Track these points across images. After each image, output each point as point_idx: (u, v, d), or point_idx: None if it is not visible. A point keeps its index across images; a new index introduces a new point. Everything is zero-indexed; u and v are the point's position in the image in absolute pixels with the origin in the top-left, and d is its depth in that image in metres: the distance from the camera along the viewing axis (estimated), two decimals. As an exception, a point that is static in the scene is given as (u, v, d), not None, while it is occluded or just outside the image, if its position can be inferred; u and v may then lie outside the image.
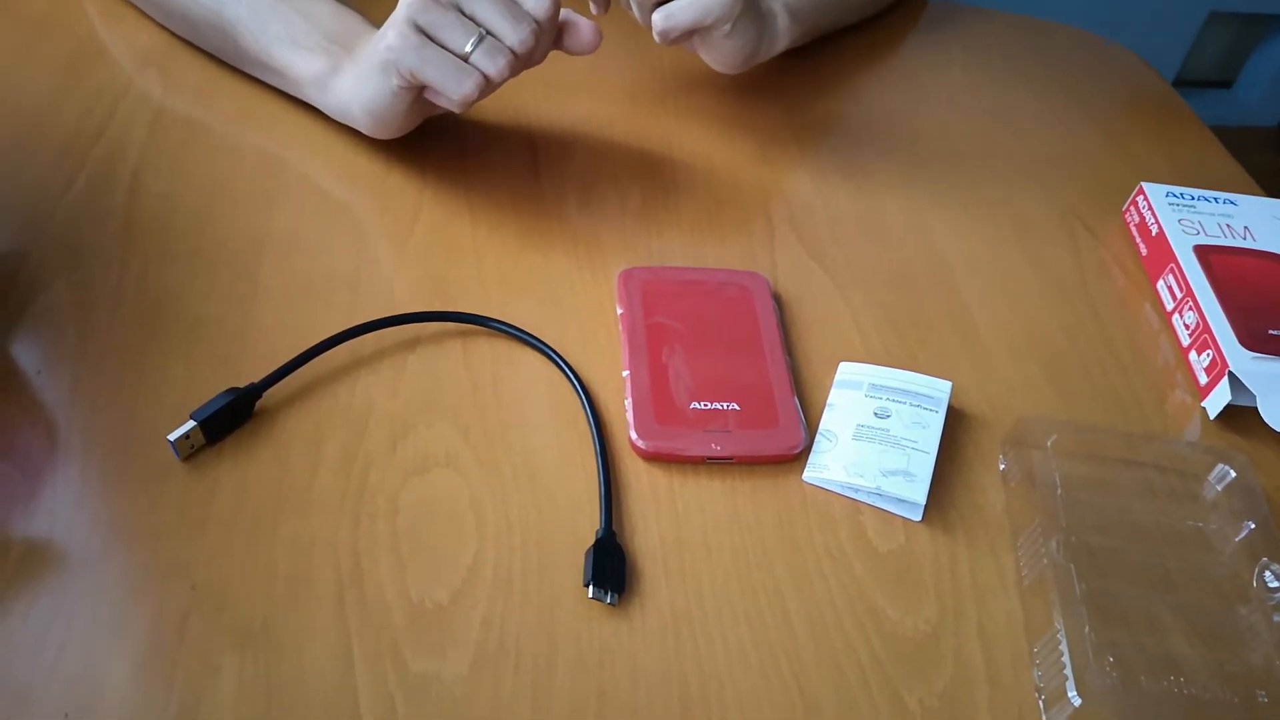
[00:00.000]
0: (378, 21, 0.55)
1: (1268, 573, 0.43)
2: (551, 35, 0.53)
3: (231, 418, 0.44)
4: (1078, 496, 0.46)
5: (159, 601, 0.39)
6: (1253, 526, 0.45)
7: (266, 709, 0.36)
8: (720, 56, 0.61)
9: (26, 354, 0.47)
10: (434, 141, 0.60)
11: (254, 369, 0.46)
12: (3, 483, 0.42)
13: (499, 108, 0.64)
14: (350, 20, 0.57)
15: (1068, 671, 0.38)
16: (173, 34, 0.65)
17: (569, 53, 0.55)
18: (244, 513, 0.42)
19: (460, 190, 0.58)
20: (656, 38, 0.57)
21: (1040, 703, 0.39)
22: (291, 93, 0.60)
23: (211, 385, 0.45)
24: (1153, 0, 1.85)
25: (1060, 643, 0.39)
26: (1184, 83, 2.07)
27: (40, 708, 0.35)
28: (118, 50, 0.64)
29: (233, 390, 0.44)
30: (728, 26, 0.57)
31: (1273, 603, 0.42)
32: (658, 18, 0.56)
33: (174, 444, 0.43)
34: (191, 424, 0.43)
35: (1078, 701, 0.38)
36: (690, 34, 0.58)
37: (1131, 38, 2.00)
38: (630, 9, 0.58)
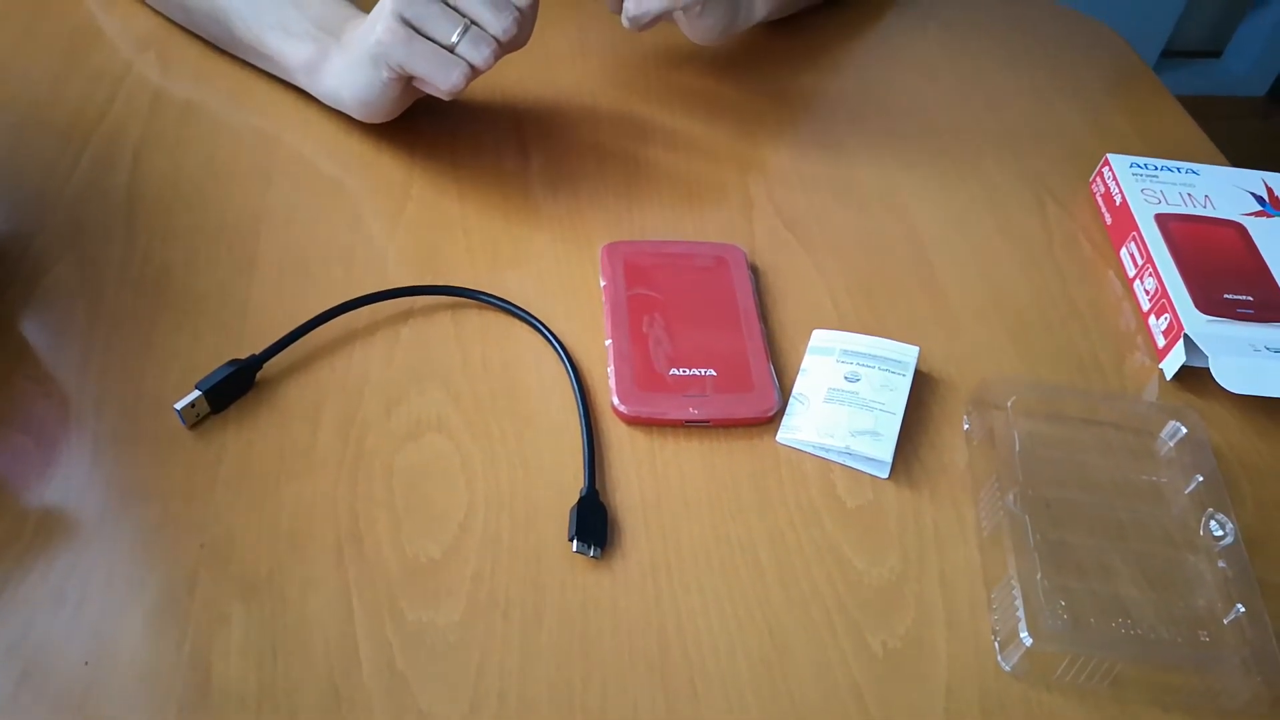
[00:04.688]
0: (364, 6, 0.57)
1: (1213, 522, 0.46)
2: (533, 20, 0.55)
3: (234, 387, 0.47)
4: (1036, 453, 0.48)
5: (170, 558, 0.41)
6: (1201, 479, 0.47)
7: (273, 655, 0.39)
8: (695, 32, 0.63)
9: (37, 329, 0.49)
10: (423, 121, 0.62)
11: (254, 340, 0.49)
12: (19, 453, 0.44)
13: (486, 88, 0.66)
14: (337, 6, 0.59)
15: (1020, 614, 0.41)
16: (169, 20, 0.67)
17: None
18: (248, 476, 0.44)
19: (449, 168, 0.60)
20: (627, 24, 0.58)
21: (996, 644, 0.42)
22: (283, 78, 0.62)
23: (214, 356, 0.47)
24: (1142, -30, 1.86)
25: (1014, 588, 0.42)
26: (1173, 53, 2.08)
27: (62, 658, 0.38)
28: (116, 34, 0.66)
29: (235, 362, 0.47)
30: (699, 7, 0.59)
31: (1217, 550, 0.45)
32: (629, 5, 0.57)
33: (180, 412, 0.45)
34: (197, 394, 0.45)
35: (1029, 642, 0.40)
36: (660, 17, 0.59)
37: (1121, 8, 2.02)
38: None
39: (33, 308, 0.50)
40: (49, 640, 0.39)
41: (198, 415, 0.46)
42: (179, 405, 0.45)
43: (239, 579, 0.41)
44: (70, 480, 0.43)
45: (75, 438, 0.45)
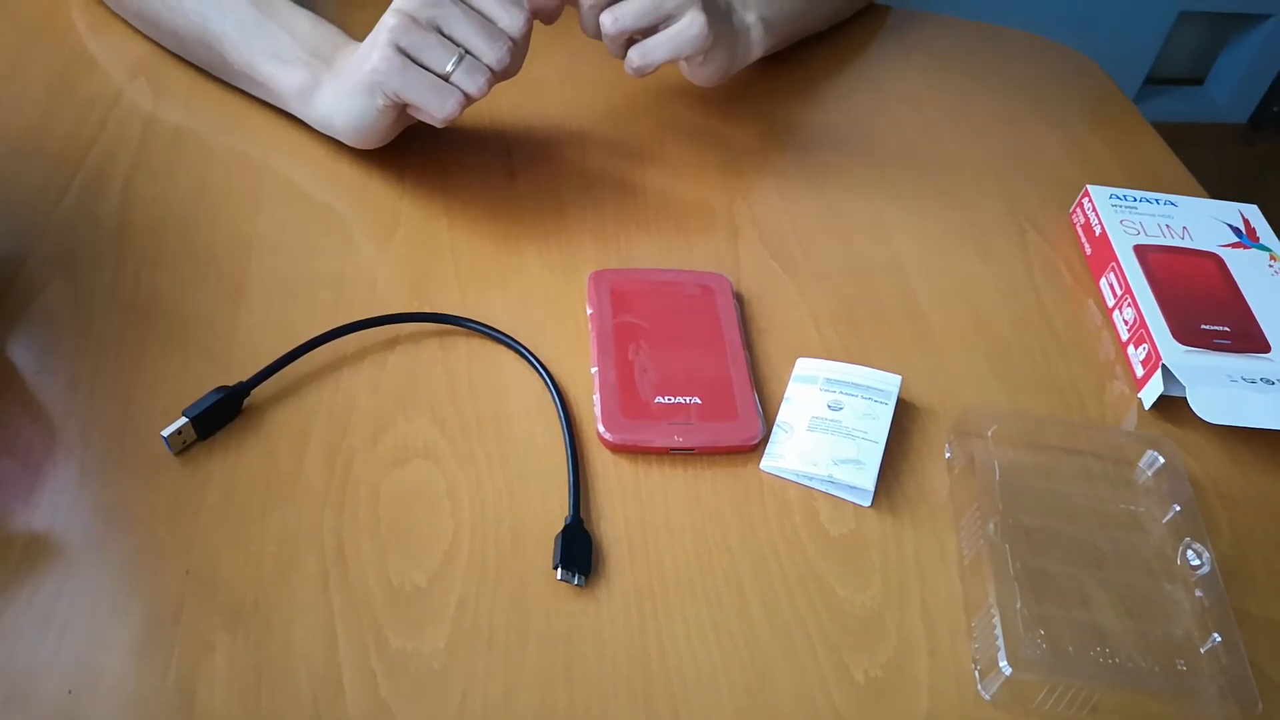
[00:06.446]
0: (356, 34, 0.58)
1: (1190, 551, 0.46)
2: (525, 49, 0.56)
3: (221, 414, 0.47)
4: (1016, 481, 0.49)
5: (155, 586, 0.41)
6: (1178, 509, 0.48)
7: (257, 683, 0.39)
8: (697, 77, 0.64)
9: (25, 354, 0.49)
10: (413, 147, 0.62)
11: (242, 366, 0.49)
12: (5, 477, 0.44)
13: (476, 115, 0.66)
14: (329, 33, 0.60)
15: (1000, 643, 0.41)
16: (160, 46, 0.67)
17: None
18: (234, 503, 0.44)
19: (438, 194, 0.61)
20: (631, 73, 0.59)
21: (976, 672, 0.43)
22: (275, 104, 0.62)
23: (202, 382, 0.48)
24: (1123, 1, 1.89)
25: (994, 617, 0.42)
26: (1156, 81, 2.11)
27: (45, 686, 0.38)
28: (108, 61, 0.66)
29: (222, 389, 0.47)
30: (701, 56, 0.60)
31: (1194, 579, 0.46)
32: (634, 55, 0.58)
33: (167, 439, 0.45)
34: (183, 420, 0.45)
35: (1008, 671, 0.41)
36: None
37: (1104, 38, 2.04)
38: (586, 30, 0.60)
39: (21, 332, 0.50)
40: (32, 667, 0.38)
41: (184, 442, 0.46)
42: (166, 432, 0.45)
43: (224, 606, 0.41)
44: (56, 506, 0.43)
45: (62, 463, 0.45)
